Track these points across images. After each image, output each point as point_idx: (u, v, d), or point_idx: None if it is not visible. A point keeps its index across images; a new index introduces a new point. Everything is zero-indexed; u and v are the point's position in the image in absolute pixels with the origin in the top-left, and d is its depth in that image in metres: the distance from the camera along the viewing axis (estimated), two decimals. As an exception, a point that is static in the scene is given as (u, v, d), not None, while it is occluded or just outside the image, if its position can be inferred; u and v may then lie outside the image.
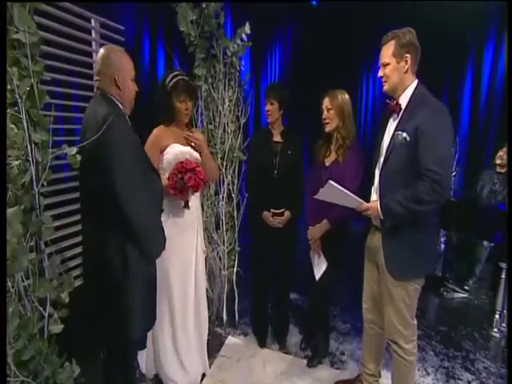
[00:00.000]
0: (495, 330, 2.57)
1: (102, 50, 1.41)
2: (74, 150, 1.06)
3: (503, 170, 3.09)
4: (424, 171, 1.41)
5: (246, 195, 2.27)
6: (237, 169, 2.32)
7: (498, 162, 3.10)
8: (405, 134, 1.48)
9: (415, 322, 1.66)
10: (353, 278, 2.17)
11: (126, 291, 1.33)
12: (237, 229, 2.41)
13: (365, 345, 1.92)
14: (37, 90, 0.94)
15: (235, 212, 2.39)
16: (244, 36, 1.99)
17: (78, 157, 1.09)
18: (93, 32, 2.16)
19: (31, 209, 0.96)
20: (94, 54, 2.19)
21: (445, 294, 3.07)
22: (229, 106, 2.15)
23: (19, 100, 0.89)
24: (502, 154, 3.06)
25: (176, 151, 1.69)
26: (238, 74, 2.15)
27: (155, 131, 1.72)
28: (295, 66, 4.88)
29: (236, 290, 2.47)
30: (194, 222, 1.82)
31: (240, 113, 2.23)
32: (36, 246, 0.97)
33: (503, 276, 2.50)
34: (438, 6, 3.80)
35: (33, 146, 0.94)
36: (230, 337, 2.46)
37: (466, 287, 3.09)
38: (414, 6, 3.76)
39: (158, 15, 2.69)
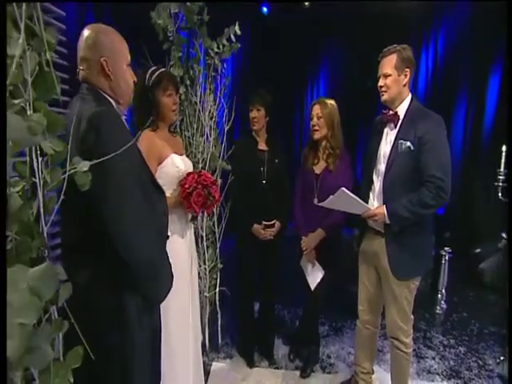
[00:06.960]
0: (438, 307, 2.90)
1: (85, 31, 1.02)
2: (87, 164, 0.70)
3: None
4: (428, 178, 1.46)
5: (228, 207, 2.04)
6: (219, 180, 2.05)
7: None
8: (409, 143, 1.51)
9: (412, 316, 1.71)
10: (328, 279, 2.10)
11: (124, 354, 0.96)
12: (218, 244, 2.14)
13: (359, 345, 1.90)
14: (47, 74, 0.56)
15: (216, 226, 2.11)
16: (232, 36, 1.76)
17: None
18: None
19: (37, 259, 0.57)
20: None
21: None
22: (210, 111, 1.88)
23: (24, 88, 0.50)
24: None
25: (176, 163, 1.37)
26: (219, 77, 1.90)
27: (146, 137, 1.36)
28: (247, 71, 4.76)
29: (219, 312, 2.19)
30: (189, 245, 1.51)
31: (223, 119, 1.98)
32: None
33: (443, 261, 2.85)
34: (387, 18, 4.02)
35: (39, 159, 0.56)
36: (214, 363, 2.15)
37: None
38: (361, 17, 4.01)
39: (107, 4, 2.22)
